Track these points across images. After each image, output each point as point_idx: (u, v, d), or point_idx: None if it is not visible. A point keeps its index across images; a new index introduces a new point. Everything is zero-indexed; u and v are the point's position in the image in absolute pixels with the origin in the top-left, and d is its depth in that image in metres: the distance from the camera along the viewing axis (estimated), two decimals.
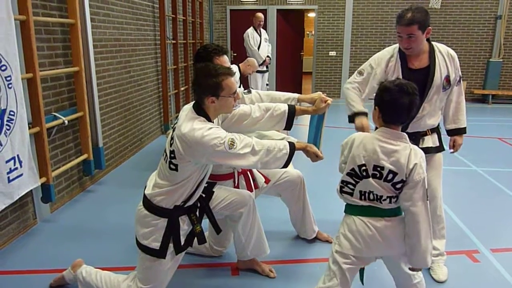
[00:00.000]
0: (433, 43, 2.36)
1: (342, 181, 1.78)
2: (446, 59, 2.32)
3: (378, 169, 1.67)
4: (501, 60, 8.86)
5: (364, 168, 1.69)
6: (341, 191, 1.79)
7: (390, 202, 1.69)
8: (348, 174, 1.74)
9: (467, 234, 2.97)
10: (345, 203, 1.81)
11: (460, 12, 8.77)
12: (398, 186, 1.66)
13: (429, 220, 1.66)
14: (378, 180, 1.68)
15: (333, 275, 1.76)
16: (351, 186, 1.74)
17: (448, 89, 2.36)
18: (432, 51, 2.33)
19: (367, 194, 1.71)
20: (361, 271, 1.83)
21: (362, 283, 1.85)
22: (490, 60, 8.91)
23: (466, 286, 2.36)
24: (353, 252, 1.73)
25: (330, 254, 1.82)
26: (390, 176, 1.65)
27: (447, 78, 2.33)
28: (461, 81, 2.41)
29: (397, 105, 1.66)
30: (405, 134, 1.71)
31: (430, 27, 2.25)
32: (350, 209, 1.78)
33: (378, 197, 1.69)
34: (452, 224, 3.07)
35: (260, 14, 6.40)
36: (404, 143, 1.68)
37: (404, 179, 1.65)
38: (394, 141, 1.68)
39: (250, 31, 6.36)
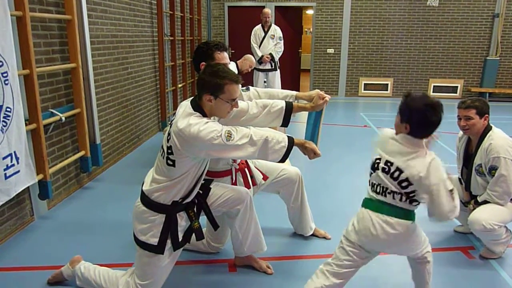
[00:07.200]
0: (492, 131, 2.50)
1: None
2: (483, 152, 2.50)
3: (388, 164, 1.76)
4: (498, 58, 8.88)
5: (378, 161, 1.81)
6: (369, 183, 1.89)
7: (393, 197, 1.76)
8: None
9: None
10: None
11: (458, 10, 8.78)
12: (404, 184, 1.73)
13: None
14: (386, 175, 1.77)
15: (335, 257, 1.89)
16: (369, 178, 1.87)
17: (484, 176, 2.54)
18: (481, 140, 2.51)
19: (375, 187, 1.81)
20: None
21: None
22: (487, 58, 8.93)
23: (461, 283, 2.37)
24: (355, 239, 1.84)
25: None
26: (396, 173, 1.73)
27: (480, 167, 2.53)
28: (500, 174, 2.43)
29: (429, 124, 1.72)
30: (422, 141, 1.75)
31: (488, 115, 2.45)
32: (364, 202, 1.88)
33: (384, 189, 1.78)
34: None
35: (265, 10, 6.25)
36: (420, 150, 1.74)
37: (413, 183, 1.72)
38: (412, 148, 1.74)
39: (256, 27, 6.30)
